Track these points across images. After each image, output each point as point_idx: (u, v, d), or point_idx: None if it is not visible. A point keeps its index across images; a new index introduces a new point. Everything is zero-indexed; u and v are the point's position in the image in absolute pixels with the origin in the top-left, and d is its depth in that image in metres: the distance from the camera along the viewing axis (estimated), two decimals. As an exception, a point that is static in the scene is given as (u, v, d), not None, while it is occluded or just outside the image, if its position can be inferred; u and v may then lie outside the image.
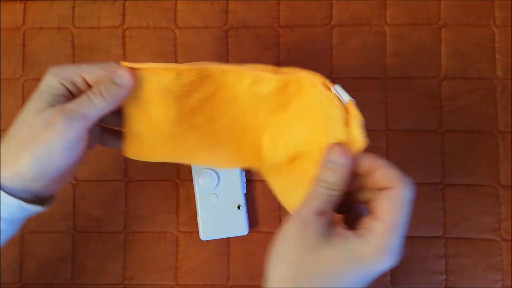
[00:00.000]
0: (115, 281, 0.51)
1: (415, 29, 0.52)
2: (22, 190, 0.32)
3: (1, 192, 0.30)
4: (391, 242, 0.26)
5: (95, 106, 0.31)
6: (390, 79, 0.51)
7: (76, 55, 0.54)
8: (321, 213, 0.27)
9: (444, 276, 0.49)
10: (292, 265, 0.27)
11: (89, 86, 0.33)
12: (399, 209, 0.26)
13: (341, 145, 0.29)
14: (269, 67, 0.33)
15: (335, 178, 0.28)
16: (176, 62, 0.53)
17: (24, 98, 0.53)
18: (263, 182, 0.51)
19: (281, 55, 0.52)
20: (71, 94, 0.33)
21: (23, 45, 0.54)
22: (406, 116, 0.51)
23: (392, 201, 0.27)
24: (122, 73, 0.32)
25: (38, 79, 0.53)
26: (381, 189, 0.28)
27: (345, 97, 0.29)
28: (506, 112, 0.50)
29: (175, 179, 0.52)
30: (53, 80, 0.33)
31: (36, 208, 0.33)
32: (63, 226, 0.52)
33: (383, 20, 0.52)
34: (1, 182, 0.30)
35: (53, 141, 0.30)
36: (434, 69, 0.51)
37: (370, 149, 0.50)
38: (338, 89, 0.29)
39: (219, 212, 0.49)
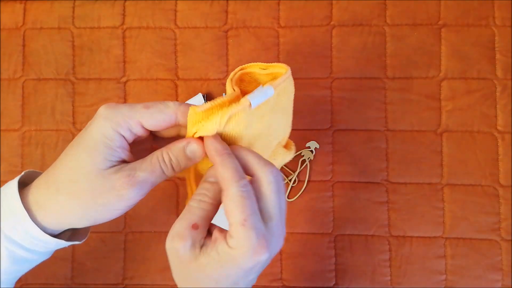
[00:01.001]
0: (115, 281, 0.51)
1: (415, 29, 0.52)
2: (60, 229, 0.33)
3: (38, 230, 0.31)
4: (245, 239, 0.27)
5: (162, 175, 0.31)
6: (390, 79, 0.51)
7: (76, 55, 0.54)
8: (195, 226, 0.29)
9: (444, 276, 0.49)
10: (181, 277, 0.30)
11: (145, 130, 0.31)
12: (234, 208, 0.27)
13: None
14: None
15: (210, 192, 0.30)
16: (176, 62, 0.53)
17: (24, 98, 0.53)
18: (263, 182, 0.51)
19: (281, 55, 0.52)
20: (125, 140, 0.31)
21: (23, 45, 0.54)
22: (406, 116, 0.51)
23: (228, 202, 0.28)
24: (194, 147, 0.31)
25: (38, 79, 0.53)
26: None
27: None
28: (506, 112, 0.50)
29: (175, 179, 0.52)
30: (108, 128, 0.29)
31: (72, 243, 0.34)
32: (63, 226, 0.52)
33: (383, 20, 0.52)
34: (41, 223, 0.31)
35: (117, 204, 0.30)
36: (434, 69, 0.51)
37: (370, 149, 0.51)
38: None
39: (219, 212, 0.49)
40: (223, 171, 0.28)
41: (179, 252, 0.28)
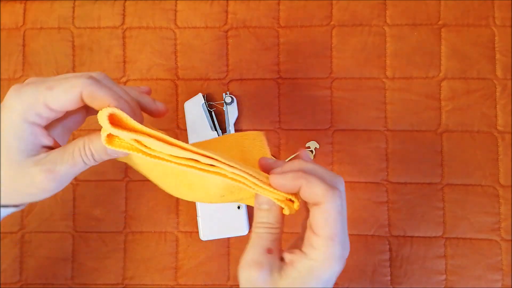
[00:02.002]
0: (115, 281, 0.51)
1: (415, 29, 0.52)
2: None
3: None
4: (331, 252, 0.28)
5: (85, 166, 0.30)
6: (389, 79, 0.51)
7: (76, 55, 0.54)
8: (269, 251, 0.29)
9: (444, 276, 0.49)
10: None
11: (53, 111, 0.29)
12: (330, 222, 0.28)
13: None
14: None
15: (270, 218, 0.30)
16: (176, 62, 0.53)
17: (24, 98, 0.53)
18: (263, 182, 0.51)
19: (281, 55, 0.52)
20: (38, 126, 0.29)
21: (23, 45, 0.54)
22: (406, 116, 0.51)
23: (322, 216, 0.28)
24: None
25: (38, 79, 0.53)
26: (313, 204, 0.29)
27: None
28: (506, 112, 0.50)
29: (175, 179, 0.52)
30: (14, 119, 0.28)
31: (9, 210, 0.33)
32: (63, 226, 0.52)
33: (383, 20, 0.52)
34: None
35: (39, 194, 0.30)
36: (434, 69, 0.51)
37: (370, 149, 0.51)
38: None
39: (219, 212, 0.49)
40: (314, 191, 0.28)
41: (258, 280, 0.28)
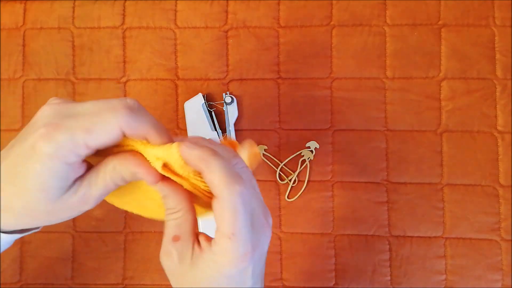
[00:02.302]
0: (115, 281, 0.51)
1: (415, 29, 0.52)
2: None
3: None
4: (231, 250, 0.26)
5: (116, 186, 0.30)
6: (389, 79, 0.51)
7: (76, 55, 0.54)
8: (175, 238, 0.28)
9: (444, 276, 0.49)
10: None
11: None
12: (227, 219, 0.26)
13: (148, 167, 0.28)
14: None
15: (169, 203, 0.29)
16: (176, 62, 0.53)
17: (24, 98, 0.53)
18: (263, 182, 0.51)
19: (281, 55, 0.52)
20: (77, 163, 0.28)
21: (23, 45, 0.54)
22: (406, 116, 0.51)
23: (218, 211, 0.26)
24: (142, 173, 0.28)
25: (38, 79, 0.53)
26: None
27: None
28: (506, 112, 0.50)
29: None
30: (55, 165, 0.26)
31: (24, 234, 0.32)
32: (63, 226, 0.52)
33: (383, 20, 0.52)
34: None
35: (74, 215, 0.30)
36: (434, 69, 0.51)
37: (370, 149, 0.51)
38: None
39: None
40: (211, 179, 0.26)
41: (169, 269, 0.28)
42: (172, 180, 0.28)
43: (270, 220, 0.29)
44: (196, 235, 0.29)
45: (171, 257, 0.28)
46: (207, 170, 0.26)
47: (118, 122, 0.26)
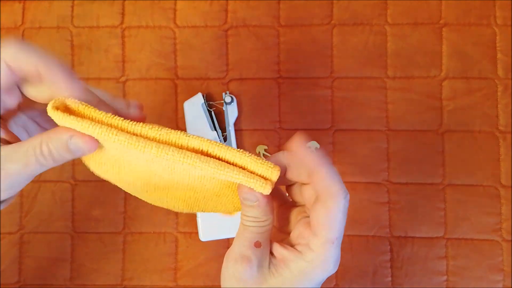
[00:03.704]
0: (114, 282, 0.51)
1: (416, 28, 0.51)
2: None
3: None
4: (329, 255, 0.26)
5: (41, 168, 0.26)
6: (390, 79, 0.51)
7: (75, 55, 0.53)
8: (257, 244, 0.27)
9: (445, 277, 0.49)
10: None
11: (12, 98, 0.27)
12: (334, 224, 0.26)
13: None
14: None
15: (257, 212, 0.27)
16: (175, 61, 0.53)
17: (22, 97, 0.53)
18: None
19: (281, 54, 0.52)
20: None
21: (22, 45, 0.54)
22: (407, 116, 0.51)
23: (326, 216, 0.26)
24: (79, 143, 0.25)
25: (37, 79, 0.53)
26: (317, 198, 0.26)
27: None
28: (507, 112, 0.50)
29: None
30: None
31: None
32: (62, 226, 0.51)
33: (384, 20, 0.52)
34: None
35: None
36: (435, 68, 0.51)
37: (371, 149, 0.50)
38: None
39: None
40: (330, 184, 0.25)
41: (245, 275, 0.27)
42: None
43: None
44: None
45: (250, 263, 0.27)
46: (327, 175, 0.26)
47: (3, 55, 0.25)
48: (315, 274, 0.27)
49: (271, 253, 0.28)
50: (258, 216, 0.27)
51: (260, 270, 0.27)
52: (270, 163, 0.26)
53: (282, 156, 0.28)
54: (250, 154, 0.26)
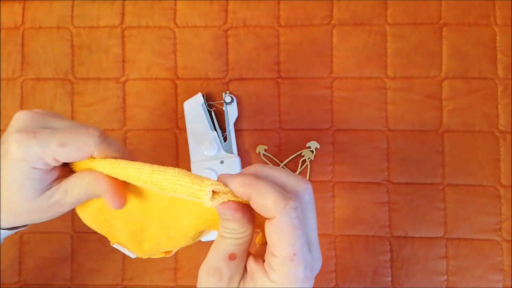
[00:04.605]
0: (114, 282, 0.51)
1: (416, 28, 0.51)
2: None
3: None
4: (292, 274, 0.25)
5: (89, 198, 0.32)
6: (390, 79, 0.51)
7: (75, 55, 0.53)
8: (232, 256, 0.26)
9: (445, 277, 0.49)
10: None
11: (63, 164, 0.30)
12: (285, 240, 0.24)
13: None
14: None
15: (233, 225, 0.26)
16: (175, 61, 0.53)
17: (23, 97, 0.53)
18: (263, 182, 0.51)
19: (281, 54, 0.52)
20: (48, 168, 0.30)
21: (22, 45, 0.54)
22: (407, 116, 0.51)
23: (275, 233, 0.24)
24: (115, 198, 0.30)
25: (37, 79, 0.53)
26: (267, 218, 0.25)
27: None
28: (507, 112, 0.50)
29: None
30: (25, 167, 0.28)
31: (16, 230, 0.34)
32: (62, 226, 0.51)
33: (383, 20, 0.52)
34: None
35: (55, 215, 0.32)
36: (435, 68, 0.51)
37: (371, 149, 0.50)
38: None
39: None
40: (264, 202, 0.24)
41: (215, 286, 0.26)
42: (240, 204, 0.26)
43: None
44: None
45: (220, 277, 0.26)
46: (257, 195, 0.25)
47: (91, 145, 0.29)
48: None
49: (245, 269, 0.27)
50: (235, 228, 0.26)
51: (230, 284, 0.26)
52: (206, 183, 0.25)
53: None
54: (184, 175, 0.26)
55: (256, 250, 0.29)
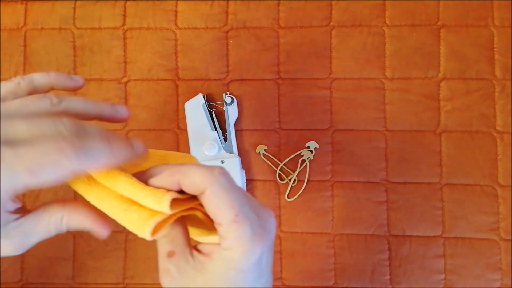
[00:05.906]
0: (115, 280, 0.51)
1: (414, 29, 0.52)
2: None
3: None
4: (239, 235, 0.25)
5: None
6: (389, 80, 0.52)
7: (77, 56, 0.54)
8: (170, 254, 0.27)
9: (443, 276, 0.50)
10: None
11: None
12: (224, 204, 0.25)
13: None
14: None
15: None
16: (176, 62, 0.53)
17: (25, 98, 0.54)
18: (263, 181, 0.52)
19: (280, 55, 0.52)
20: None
21: (24, 46, 0.54)
22: (405, 116, 0.51)
23: (212, 203, 0.25)
24: (93, 227, 0.28)
25: (39, 80, 0.54)
26: (200, 196, 0.26)
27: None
28: (505, 112, 0.50)
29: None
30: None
31: None
32: (64, 225, 0.52)
33: (382, 21, 0.52)
34: None
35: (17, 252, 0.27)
36: (433, 69, 0.51)
37: (369, 149, 0.51)
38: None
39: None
40: (192, 179, 0.25)
41: (172, 284, 0.27)
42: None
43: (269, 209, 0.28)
44: (193, 246, 0.28)
45: (170, 274, 0.27)
46: (184, 176, 0.25)
47: (70, 165, 0.23)
48: (236, 260, 0.26)
49: (199, 252, 0.28)
50: (162, 229, 0.27)
51: (183, 274, 0.27)
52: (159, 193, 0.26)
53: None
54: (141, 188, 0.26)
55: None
